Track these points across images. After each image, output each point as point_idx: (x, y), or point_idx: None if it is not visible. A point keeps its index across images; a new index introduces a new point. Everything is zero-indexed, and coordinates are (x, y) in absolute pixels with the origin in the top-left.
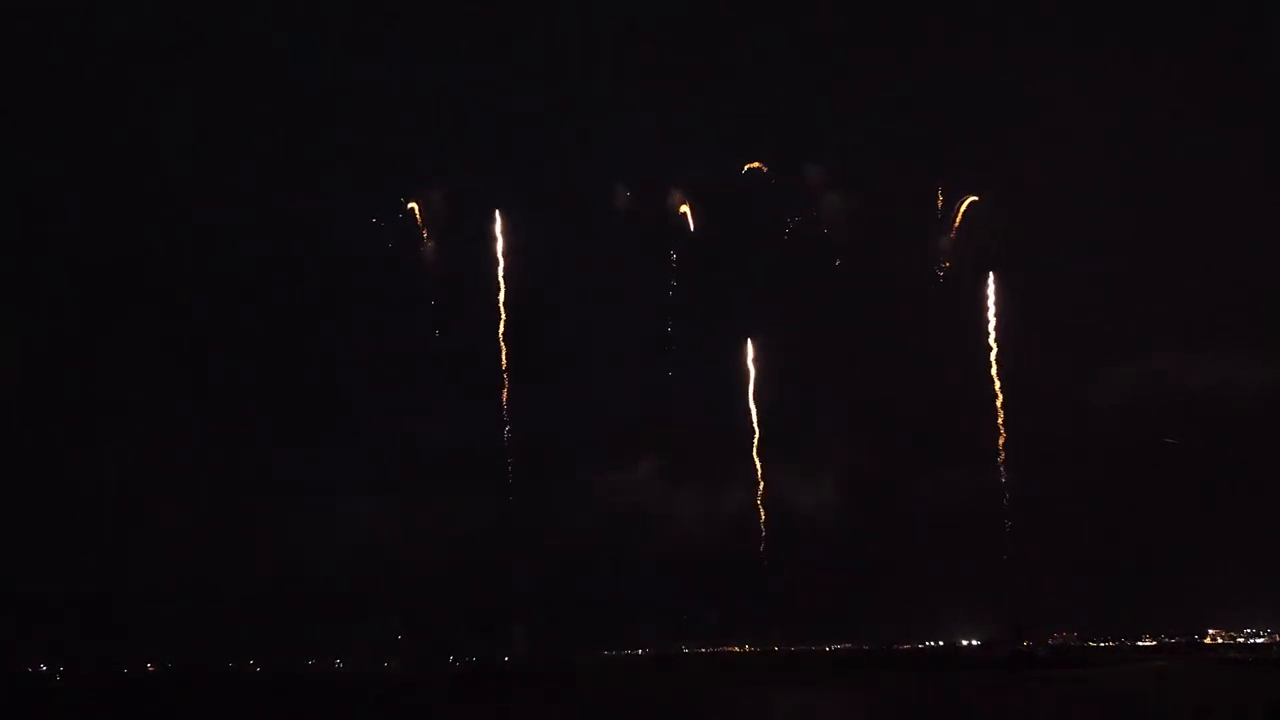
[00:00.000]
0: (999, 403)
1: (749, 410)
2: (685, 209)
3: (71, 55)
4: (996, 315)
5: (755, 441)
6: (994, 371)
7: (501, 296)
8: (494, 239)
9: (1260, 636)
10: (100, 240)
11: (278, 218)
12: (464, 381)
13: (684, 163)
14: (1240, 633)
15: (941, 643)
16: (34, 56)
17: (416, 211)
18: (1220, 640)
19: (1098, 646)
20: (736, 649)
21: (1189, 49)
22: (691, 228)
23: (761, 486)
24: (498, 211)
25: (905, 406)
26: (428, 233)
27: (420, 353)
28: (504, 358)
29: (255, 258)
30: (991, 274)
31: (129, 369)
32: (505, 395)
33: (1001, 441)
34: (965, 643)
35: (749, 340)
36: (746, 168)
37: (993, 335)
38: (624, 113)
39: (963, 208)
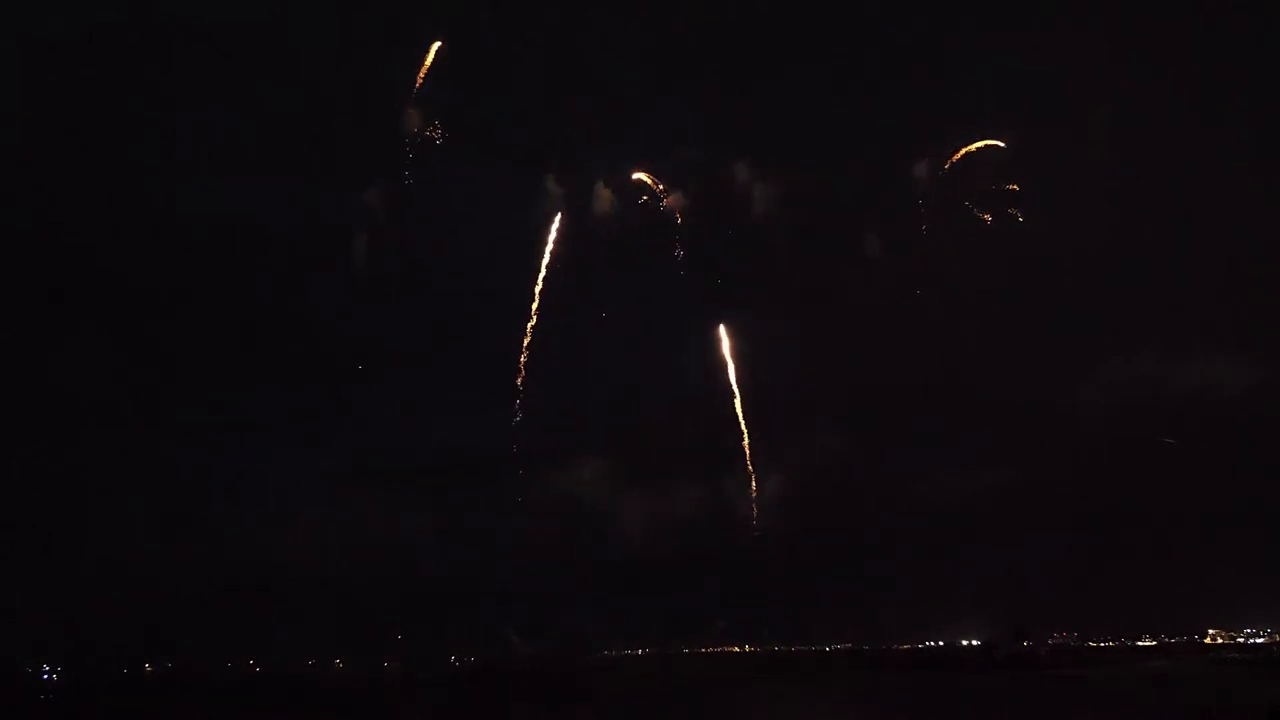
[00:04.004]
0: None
1: (740, 408)
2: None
3: (71, 55)
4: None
5: (749, 441)
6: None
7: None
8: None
9: (1260, 636)
10: (74, 236)
11: (268, 216)
12: (462, 382)
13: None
14: (1240, 633)
15: (941, 643)
16: (34, 56)
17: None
18: (1220, 640)
19: (1098, 646)
20: (736, 649)
21: (1188, 49)
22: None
23: (756, 486)
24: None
25: (904, 407)
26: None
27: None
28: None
29: (240, 256)
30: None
31: (121, 369)
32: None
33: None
34: (965, 643)
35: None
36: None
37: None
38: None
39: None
